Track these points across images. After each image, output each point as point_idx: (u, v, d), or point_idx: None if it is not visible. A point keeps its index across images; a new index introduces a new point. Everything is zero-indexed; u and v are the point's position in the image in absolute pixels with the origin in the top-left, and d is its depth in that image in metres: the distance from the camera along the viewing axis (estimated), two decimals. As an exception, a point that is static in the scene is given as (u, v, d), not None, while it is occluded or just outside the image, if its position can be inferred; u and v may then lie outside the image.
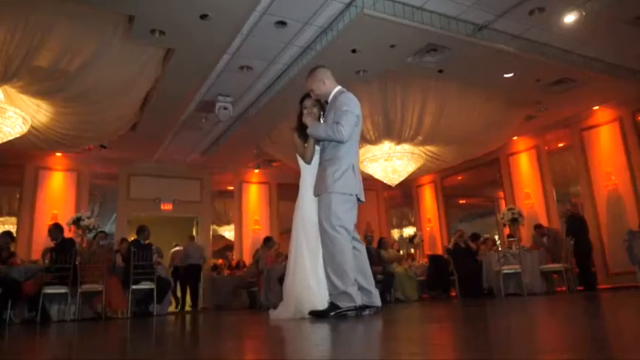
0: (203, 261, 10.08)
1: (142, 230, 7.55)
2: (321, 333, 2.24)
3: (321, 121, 3.53)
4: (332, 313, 3.08)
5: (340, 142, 3.30)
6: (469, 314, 3.47)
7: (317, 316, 3.10)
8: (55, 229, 7.09)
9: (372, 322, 2.70)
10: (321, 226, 3.27)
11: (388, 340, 1.86)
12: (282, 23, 5.89)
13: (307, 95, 3.65)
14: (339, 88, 3.55)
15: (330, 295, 3.20)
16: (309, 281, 3.26)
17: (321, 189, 3.33)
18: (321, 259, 3.28)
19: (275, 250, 9.41)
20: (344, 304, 3.12)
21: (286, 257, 9.58)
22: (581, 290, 7.64)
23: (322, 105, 3.61)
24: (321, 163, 3.45)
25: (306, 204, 3.46)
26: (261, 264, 9.00)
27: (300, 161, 3.62)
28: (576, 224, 7.83)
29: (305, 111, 3.58)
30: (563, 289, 7.73)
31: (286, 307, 3.33)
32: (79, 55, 5.76)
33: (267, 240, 9.60)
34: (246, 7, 5.27)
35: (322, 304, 3.16)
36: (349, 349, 1.55)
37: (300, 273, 3.30)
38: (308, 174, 3.55)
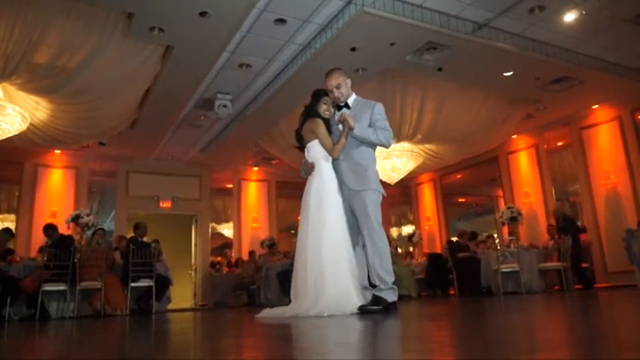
0: None
1: (138, 227, 7.53)
2: (321, 331, 2.24)
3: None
4: (380, 307, 3.22)
5: (386, 146, 3.57)
6: (468, 312, 3.48)
7: (366, 311, 3.14)
8: (52, 230, 7.07)
9: (372, 319, 2.71)
10: (368, 221, 3.39)
11: (387, 338, 1.86)
12: (281, 21, 5.88)
13: (323, 91, 3.64)
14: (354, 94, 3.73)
15: (377, 288, 3.33)
16: (337, 276, 3.23)
17: (364, 184, 3.45)
18: (335, 256, 3.27)
19: (278, 253, 9.66)
20: (391, 298, 3.31)
21: (285, 255, 9.64)
22: (578, 289, 7.66)
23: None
24: (350, 159, 3.51)
25: (331, 200, 3.44)
26: (265, 266, 9.10)
27: (318, 155, 3.56)
28: (572, 225, 7.89)
29: (324, 106, 3.62)
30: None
31: (302, 302, 3.21)
32: (78, 53, 5.75)
33: (272, 245, 9.92)
34: (246, 4, 5.26)
35: (354, 300, 3.19)
36: (350, 348, 1.55)
37: (338, 268, 3.25)
38: (327, 169, 3.53)
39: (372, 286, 3.46)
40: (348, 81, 3.66)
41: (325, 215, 3.39)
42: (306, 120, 3.66)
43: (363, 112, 3.56)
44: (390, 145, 3.59)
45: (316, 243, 3.33)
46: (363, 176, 3.49)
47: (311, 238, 3.37)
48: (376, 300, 3.27)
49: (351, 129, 3.43)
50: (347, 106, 3.65)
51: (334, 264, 3.25)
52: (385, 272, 3.34)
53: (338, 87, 3.57)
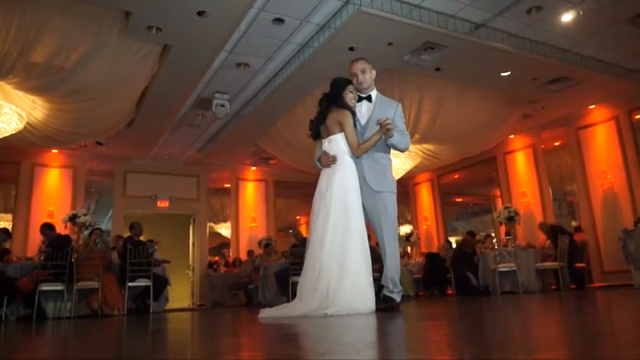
0: None
1: (134, 227, 7.51)
2: (321, 330, 2.25)
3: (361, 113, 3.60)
4: (395, 302, 3.38)
5: (404, 151, 3.74)
6: (465, 312, 3.48)
7: (385, 310, 3.25)
8: (48, 229, 7.03)
9: (371, 319, 2.71)
10: (389, 224, 3.43)
11: (387, 338, 1.86)
12: (279, 20, 5.88)
13: (347, 80, 3.54)
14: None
15: (387, 289, 3.41)
16: (358, 276, 3.20)
17: (385, 186, 3.47)
18: (358, 255, 3.24)
19: (275, 253, 9.66)
20: (399, 299, 3.42)
21: (283, 255, 9.60)
22: (573, 288, 7.70)
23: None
24: (371, 157, 3.47)
25: (356, 200, 3.37)
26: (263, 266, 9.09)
27: (343, 149, 3.43)
28: (562, 230, 8.00)
29: (350, 94, 3.49)
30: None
31: (311, 301, 3.13)
32: (75, 52, 5.73)
33: (268, 245, 9.91)
34: (244, 3, 5.26)
35: (367, 299, 3.21)
36: (350, 347, 1.55)
37: (359, 269, 3.21)
38: (351, 165, 3.44)
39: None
40: (374, 72, 3.59)
41: (352, 215, 3.30)
42: (331, 109, 3.49)
43: (387, 111, 3.49)
44: (406, 150, 3.66)
45: (340, 241, 3.23)
46: (384, 177, 3.49)
47: (331, 235, 3.24)
48: (389, 299, 3.37)
49: (389, 137, 3.37)
50: (369, 99, 3.58)
51: (357, 265, 3.21)
52: (398, 277, 3.42)
53: (363, 71, 3.52)
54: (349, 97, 3.48)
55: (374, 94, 3.59)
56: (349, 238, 3.24)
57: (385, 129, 3.31)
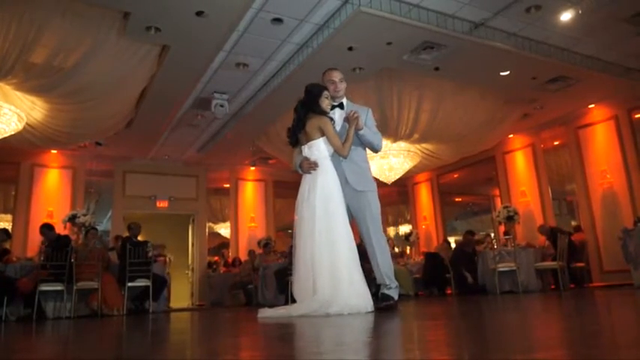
0: None
1: (131, 227, 7.50)
2: (319, 331, 2.25)
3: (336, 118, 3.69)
4: (394, 300, 3.43)
5: (379, 151, 3.84)
6: (465, 311, 3.48)
7: (385, 309, 3.29)
8: (48, 229, 7.02)
9: (369, 318, 2.71)
10: (374, 222, 3.51)
11: (385, 337, 1.86)
12: (278, 20, 5.88)
13: (322, 87, 3.62)
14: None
15: (384, 287, 3.46)
16: (351, 274, 3.24)
17: (367, 185, 3.58)
18: (346, 256, 3.27)
19: (274, 253, 9.66)
20: (396, 296, 3.47)
21: (282, 255, 9.60)
22: (572, 288, 7.71)
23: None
24: (350, 160, 3.56)
25: (339, 200, 3.42)
26: (262, 266, 9.09)
27: (324, 154, 3.51)
28: (561, 231, 8.05)
29: (327, 100, 3.58)
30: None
31: (312, 301, 3.16)
32: (75, 52, 5.73)
33: (267, 245, 9.92)
34: (242, 3, 5.26)
35: (363, 297, 3.22)
36: (348, 347, 1.55)
37: (351, 268, 3.27)
38: (331, 168, 3.50)
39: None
40: (345, 83, 3.75)
41: (336, 216, 3.36)
42: (309, 116, 3.55)
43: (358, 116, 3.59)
44: (380, 149, 3.81)
45: (327, 243, 3.27)
46: (365, 177, 3.61)
47: (318, 237, 3.29)
48: (386, 297, 3.41)
49: (359, 129, 3.49)
50: (341, 106, 3.69)
51: (348, 266, 3.25)
52: (392, 272, 3.49)
53: (341, 80, 3.67)
54: (325, 103, 3.58)
55: (344, 101, 3.73)
56: (336, 240, 3.30)
57: (354, 119, 3.46)
